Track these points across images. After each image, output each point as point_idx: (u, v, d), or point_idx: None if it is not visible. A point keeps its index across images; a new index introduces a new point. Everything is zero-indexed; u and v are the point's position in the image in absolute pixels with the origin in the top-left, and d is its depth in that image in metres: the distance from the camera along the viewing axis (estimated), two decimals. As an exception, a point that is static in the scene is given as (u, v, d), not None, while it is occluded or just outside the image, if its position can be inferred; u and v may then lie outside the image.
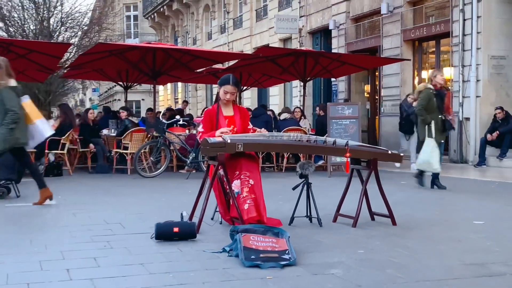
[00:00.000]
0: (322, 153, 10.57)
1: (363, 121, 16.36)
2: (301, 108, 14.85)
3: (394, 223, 5.79)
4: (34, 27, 25.04)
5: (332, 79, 18.95)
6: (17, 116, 6.97)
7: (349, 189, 6.00)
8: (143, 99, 40.45)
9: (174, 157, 12.35)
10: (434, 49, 16.34)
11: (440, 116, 8.78)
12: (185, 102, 23.32)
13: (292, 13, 22.20)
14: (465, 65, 14.05)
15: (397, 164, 12.47)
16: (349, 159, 5.81)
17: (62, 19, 25.36)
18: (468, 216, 6.49)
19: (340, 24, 19.09)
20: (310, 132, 13.04)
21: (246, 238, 4.35)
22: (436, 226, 5.81)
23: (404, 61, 15.81)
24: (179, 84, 35.47)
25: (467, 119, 13.94)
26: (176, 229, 4.97)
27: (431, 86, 8.85)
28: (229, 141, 5.30)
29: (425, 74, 16.77)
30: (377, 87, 18.27)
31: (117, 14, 39.89)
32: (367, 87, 19.47)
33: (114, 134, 12.84)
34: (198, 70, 15.01)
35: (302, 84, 15.14)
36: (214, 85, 25.04)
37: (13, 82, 7.13)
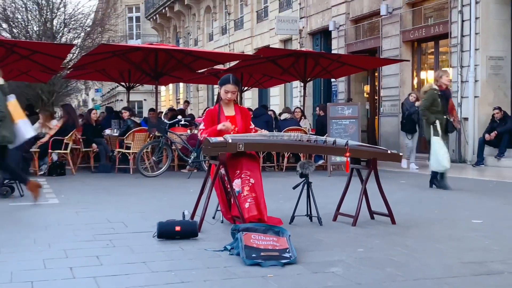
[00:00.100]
0: (322, 153, 10.57)
1: (362, 121, 16.35)
2: (301, 108, 14.86)
3: (393, 222, 5.79)
4: (37, 29, 25.06)
5: (332, 80, 18.94)
6: (2, 115, 6.96)
7: (349, 188, 6.00)
8: (145, 100, 40.45)
9: (175, 157, 12.35)
10: (433, 50, 16.34)
11: (444, 117, 8.71)
12: (187, 103, 23.29)
13: (293, 14, 22.20)
14: (464, 65, 14.05)
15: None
16: (349, 159, 5.81)
17: (65, 21, 25.37)
18: (467, 215, 6.49)
19: (340, 25, 19.09)
20: (310, 132, 13.03)
21: (247, 237, 4.35)
22: (435, 225, 5.81)
23: (403, 62, 15.82)
24: (181, 84, 35.48)
25: (466, 119, 13.93)
26: (178, 228, 4.97)
27: (436, 87, 8.76)
28: (230, 141, 5.30)
29: (424, 74, 16.79)
30: (377, 88, 18.26)
31: (120, 15, 39.92)
32: (367, 88, 19.47)
33: (117, 134, 12.84)
34: (199, 71, 15.01)
35: (302, 84, 15.14)
36: (215, 86, 25.02)
37: (0, 81, 7.12)
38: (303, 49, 19.15)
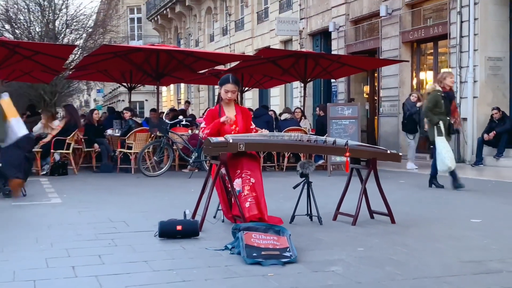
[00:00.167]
0: (322, 153, 10.57)
1: (362, 122, 16.34)
2: (302, 108, 14.85)
3: (393, 221, 5.79)
4: (39, 29, 25.07)
5: (332, 80, 18.93)
6: None
7: (349, 188, 6.00)
8: (146, 100, 40.45)
9: (177, 157, 12.34)
10: (432, 51, 16.34)
11: (448, 118, 8.67)
12: (188, 103, 23.29)
13: (293, 15, 22.19)
14: (463, 66, 14.04)
15: (409, 166, 12.42)
16: (348, 159, 5.80)
17: (67, 22, 25.38)
18: (466, 215, 6.49)
19: (340, 26, 19.08)
20: (310, 132, 13.03)
21: (248, 236, 4.35)
22: (434, 224, 5.81)
23: (403, 63, 15.81)
24: (182, 85, 35.47)
25: (465, 119, 13.91)
26: (179, 227, 4.97)
27: (439, 88, 8.70)
28: (231, 141, 5.30)
29: (423, 75, 16.79)
30: (376, 88, 18.25)
31: (121, 16, 39.90)
32: (366, 88, 19.46)
33: (118, 134, 12.84)
34: (200, 72, 15.02)
35: (302, 85, 15.14)
36: (216, 86, 24.97)
37: None
38: (303, 50, 19.14)
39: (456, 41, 14.21)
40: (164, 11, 36.67)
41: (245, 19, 27.32)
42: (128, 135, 12.16)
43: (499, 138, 12.87)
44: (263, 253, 4.17)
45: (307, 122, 14.56)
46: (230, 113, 5.85)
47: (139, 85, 16.75)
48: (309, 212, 5.83)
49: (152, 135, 12.19)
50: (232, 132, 5.69)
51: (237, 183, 5.50)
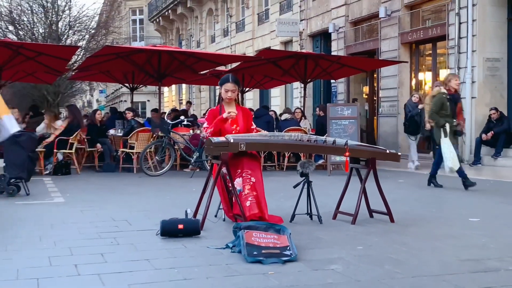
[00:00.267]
0: (322, 153, 10.57)
1: (361, 122, 16.32)
2: (302, 109, 14.85)
3: (392, 220, 5.78)
4: (43, 31, 25.06)
5: (332, 81, 18.93)
6: None
7: (348, 187, 6.00)
8: (148, 100, 40.45)
9: (178, 156, 12.34)
10: (430, 52, 16.33)
11: (454, 120, 8.62)
12: (189, 103, 23.28)
13: (293, 17, 22.19)
14: (461, 67, 14.03)
15: (411, 166, 12.40)
16: (348, 158, 5.80)
17: (70, 23, 25.38)
18: (464, 214, 6.49)
19: (340, 28, 19.08)
20: (310, 132, 13.03)
21: (248, 235, 4.35)
22: (433, 223, 5.81)
23: (402, 63, 15.81)
24: (183, 85, 35.48)
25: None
26: (180, 226, 4.97)
27: (444, 91, 8.66)
28: (232, 140, 5.30)
29: (422, 76, 16.79)
30: (375, 89, 18.25)
31: (123, 18, 39.92)
32: (366, 89, 19.46)
33: (121, 134, 12.84)
34: (201, 72, 15.03)
35: (302, 85, 15.15)
36: (217, 87, 25.00)
37: None
38: (303, 50, 19.14)
39: (454, 42, 14.21)
40: (166, 13, 36.68)
41: (246, 21, 27.32)
42: (130, 135, 12.16)
43: (497, 138, 12.86)
44: (263, 251, 4.17)
45: (307, 122, 14.56)
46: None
47: (141, 85, 16.75)
48: (309, 211, 5.82)
49: (154, 135, 12.19)
50: (233, 132, 5.69)
51: (238, 183, 5.50)
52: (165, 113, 17.08)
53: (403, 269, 3.95)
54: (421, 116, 12.33)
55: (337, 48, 19.14)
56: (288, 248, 4.25)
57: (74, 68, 17.57)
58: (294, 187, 5.85)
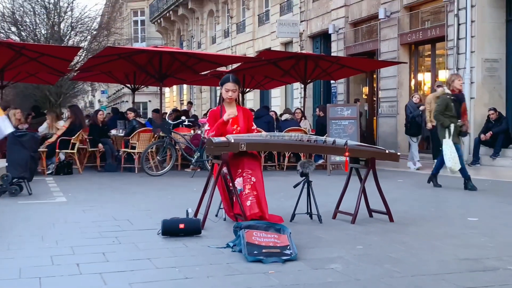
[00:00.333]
0: (322, 153, 10.56)
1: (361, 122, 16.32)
2: (302, 109, 14.85)
3: (391, 219, 5.78)
4: (45, 32, 25.08)
5: (332, 82, 18.93)
6: None
7: (348, 187, 6.00)
8: (150, 101, 40.46)
9: (179, 156, 12.34)
10: (429, 53, 16.33)
11: (459, 121, 8.57)
12: (190, 104, 23.29)
13: (293, 18, 22.19)
14: (460, 68, 14.02)
15: (411, 166, 12.37)
16: (348, 158, 5.80)
17: (72, 24, 25.40)
18: (463, 213, 6.49)
19: (339, 29, 19.08)
20: (310, 133, 13.03)
21: (249, 234, 4.35)
22: (432, 223, 5.81)
23: (401, 64, 15.80)
24: (185, 86, 35.49)
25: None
26: (181, 226, 4.97)
27: (449, 91, 8.62)
28: (232, 140, 5.31)
29: (421, 76, 16.79)
30: (375, 89, 18.25)
31: (125, 19, 39.97)
32: (365, 89, 19.46)
33: (122, 134, 12.84)
34: (202, 73, 15.03)
35: (302, 86, 15.15)
36: (218, 87, 25.02)
37: None
38: (303, 51, 19.16)
39: (453, 43, 14.20)
40: (167, 14, 36.69)
41: (247, 22, 27.32)
42: (131, 135, 12.16)
43: (496, 138, 12.86)
44: (264, 251, 4.17)
45: (307, 122, 14.56)
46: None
47: (142, 86, 16.75)
48: (309, 211, 5.82)
49: (155, 135, 12.19)
50: (234, 132, 5.69)
51: (239, 182, 5.50)
52: (166, 113, 17.10)
53: (402, 268, 3.95)
54: (422, 117, 12.32)
55: (337, 49, 19.14)
56: (288, 247, 4.25)
57: (76, 68, 17.59)
58: (294, 186, 5.85)
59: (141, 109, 37.82)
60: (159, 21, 39.00)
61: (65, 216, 6.21)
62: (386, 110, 16.94)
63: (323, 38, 20.95)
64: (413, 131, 12.60)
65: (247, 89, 17.29)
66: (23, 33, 24.57)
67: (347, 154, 5.64)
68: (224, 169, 5.44)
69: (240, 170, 5.56)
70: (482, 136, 12.94)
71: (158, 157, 11.80)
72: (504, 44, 13.85)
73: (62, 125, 12.16)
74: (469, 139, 13.65)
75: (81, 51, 21.98)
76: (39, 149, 10.91)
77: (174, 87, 36.13)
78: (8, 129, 7.58)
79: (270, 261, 4.05)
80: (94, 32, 26.83)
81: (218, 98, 6.37)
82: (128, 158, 12.39)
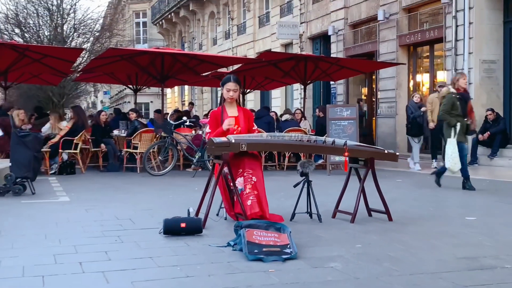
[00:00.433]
0: (321, 153, 10.56)
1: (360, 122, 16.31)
2: (302, 109, 14.84)
3: (390, 219, 5.78)
4: (48, 33, 25.10)
5: (331, 82, 18.93)
6: None
7: (348, 186, 6.00)
8: (151, 101, 40.49)
9: (181, 156, 12.35)
10: (428, 54, 16.33)
11: (465, 119, 8.51)
12: (192, 104, 23.30)
13: (293, 19, 22.19)
14: (458, 69, 14.02)
15: (411, 166, 12.35)
16: (347, 158, 5.80)
17: (75, 26, 25.42)
18: (461, 212, 6.48)
19: (339, 30, 19.08)
20: (310, 133, 13.02)
21: (249, 233, 4.35)
22: (430, 222, 5.80)
23: (400, 65, 15.80)
24: (186, 87, 35.49)
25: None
26: (183, 225, 4.97)
27: (454, 90, 8.54)
28: (233, 141, 5.31)
29: (419, 77, 16.79)
30: (374, 90, 18.25)
31: (127, 20, 39.99)
32: (364, 90, 19.46)
33: (124, 135, 12.85)
34: (204, 74, 15.02)
35: (302, 87, 15.14)
36: (219, 88, 24.98)
37: None
38: (303, 53, 19.16)
39: (451, 45, 14.20)
40: (169, 16, 36.70)
41: (247, 23, 27.33)
42: (134, 135, 12.17)
43: (493, 139, 12.86)
44: (264, 249, 4.17)
45: (307, 123, 14.55)
46: (232, 113, 5.84)
47: (144, 87, 16.76)
48: (309, 210, 5.82)
49: (157, 136, 12.19)
50: (235, 132, 5.69)
51: (239, 182, 5.49)
52: (168, 114, 17.11)
53: (401, 266, 3.95)
54: (424, 117, 12.31)
55: (337, 50, 19.14)
56: (288, 246, 4.25)
57: (79, 70, 17.59)
58: (294, 186, 5.85)
59: (143, 109, 37.88)
60: (160, 22, 39.00)
61: (68, 215, 6.21)
62: (385, 111, 16.94)
63: (322, 39, 20.95)
64: (415, 132, 12.55)
65: (248, 90, 17.29)
66: (26, 35, 24.59)
67: (346, 154, 5.64)
68: (225, 169, 5.44)
69: (241, 170, 5.56)
70: (480, 136, 12.94)
71: (159, 157, 11.81)
72: (501, 45, 13.86)
73: (65, 125, 12.17)
74: (468, 139, 13.65)
75: (83, 52, 22.03)
76: (42, 149, 10.93)
77: (176, 88, 36.14)
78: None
79: (270, 260, 4.05)
80: (97, 34, 26.85)
81: (219, 98, 6.37)
82: (130, 158, 12.39)
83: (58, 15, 24.98)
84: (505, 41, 13.83)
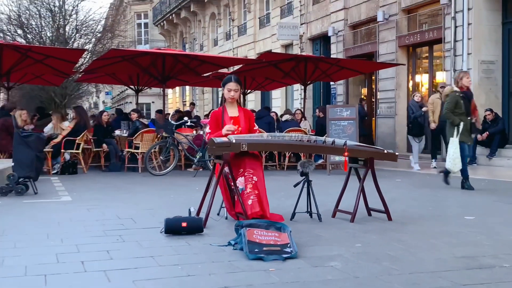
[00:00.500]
0: (321, 152, 10.56)
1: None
2: (302, 110, 14.85)
3: (389, 218, 5.78)
4: (50, 34, 25.10)
5: (331, 83, 18.93)
6: None
7: (347, 186, 5.99)
8: (153, 102, 40.47)
9: (182, 156, 12.35)
10: (427, 55, 16.33)
11: (468, 118, 8.46)
12: (193, 105, 23.30)
13: (293, 20, 22.19)
14: (457, 69, 14.00)
15: (413, 166, 12.31)
16: (347, 158, 5.80)
17: (77, 27, 25.43)
18: (460, 212, 6.48)
19: (339, 31, 19.08)
20: (310, 133, 13.02)
21: (250, 232, 4.35)
22: (430, 221, 5.80)
23: (399, 66, 15.80)
24: (187, 87, 35.49)
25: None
26: (184, 224, 4.97)
27: (457, 89, 8.50)
28: (234, 141, 5.30)
29: (418, 78, 16.78)
30: (374, 90, 18.25)
31: (129, 22, 39.99)
32: (364, 90, 19.45)
33: (126, 135, 12.85)
34: (204, 74, 15.03)
35: (302, 87, 15.14)
36: (220, 89, 24.99)
37: None
38: (303, 53, 19.15)
39: (450, 45, 14.20)
40: (170, 17, 36.70)
41: (248, 24, 27.33)
42: (135, 135, 12.17)
43: (492, 139, 12.85)
44: (264, 249, 4.17)
45: (307, 123, 14.55)
46: (233, 113, 5.85)
47: (146, 87, 16.76)
48: (309, 210, 5.82)
49: (159, 136, 12.20)
50: (235, 133, 5.69)
51: (240, 182, 5.50)
52: (169, 114, 17.12)
53: (400, 266, 3.95)
54: (425, 117, 12.29)
55: (336, 51, 19.14)
56: (288, 245, 4.25)
57: (81, 70, 17.61)
58: (295, 186, 5.85)
59: (144, 110, 37.87)
60: (162, 23, 39.01)
61: (70, 214, 6.21)
62: (384, 111, 16.94)
63: (322, 40, 20.95)
64: (416, 132, 12.52)
65: (248, 91, 17.30)
66: (29, 36, 24.60)
67: (346, 154, 5.64)
68: (226, 169, 5.44)
69: (241, 170, 5.55)
70: (479, 136, 12.92)
71: (161, 157, 11.81)
72: (500, 46, 13.85)
73: (67, 125, 12.17)
74: (472, 138, 13.62)
75: (85, 53, 22.02)
76: (44, 149, 10.94)
77: (177, 88, 36.15)
78: None
79: (271, 259, 4.05)
80: (99, 35, 26.86)
81: (220, 99, 6.37)
82: (132, 158, 12.40)
83: (60, 16, 24.99)
84: (503, 42, 13.83)
